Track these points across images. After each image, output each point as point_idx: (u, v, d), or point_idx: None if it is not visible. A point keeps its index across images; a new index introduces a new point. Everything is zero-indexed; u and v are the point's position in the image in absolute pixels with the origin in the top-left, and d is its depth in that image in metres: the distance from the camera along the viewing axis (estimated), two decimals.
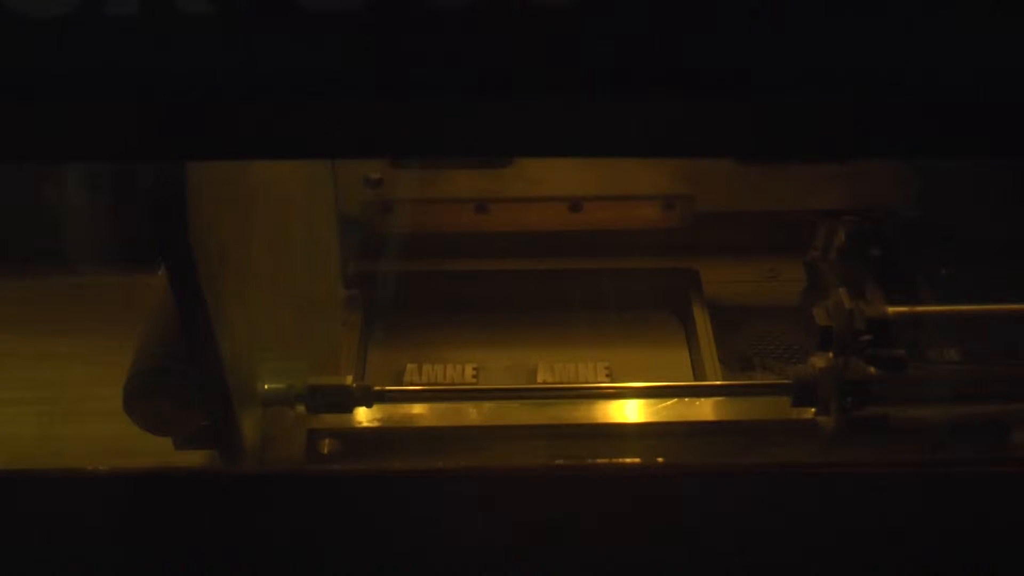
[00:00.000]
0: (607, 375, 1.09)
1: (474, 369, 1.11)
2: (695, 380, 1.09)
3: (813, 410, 0.95)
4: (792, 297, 1.15)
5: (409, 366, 1.11)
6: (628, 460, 0.93)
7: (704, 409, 1.00)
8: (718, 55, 0.58)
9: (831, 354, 0.93)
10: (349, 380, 0.94)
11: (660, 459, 0.95)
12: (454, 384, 1.09)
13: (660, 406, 1.00)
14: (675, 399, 1.00)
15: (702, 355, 1.09)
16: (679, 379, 1.09)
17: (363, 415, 0.98)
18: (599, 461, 0.92)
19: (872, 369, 0.92)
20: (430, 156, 1.07)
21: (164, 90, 0.59)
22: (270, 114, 0.60)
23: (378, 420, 0.99)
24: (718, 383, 1.03)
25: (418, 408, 1.00)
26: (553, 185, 1.16)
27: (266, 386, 0.90)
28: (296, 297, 0.99)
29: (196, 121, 0.60)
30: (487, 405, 1.01)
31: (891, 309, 0.94)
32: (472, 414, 1.00)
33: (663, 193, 1.17)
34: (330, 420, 0.96)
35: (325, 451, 0.97)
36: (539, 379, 1.09)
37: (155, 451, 0.85)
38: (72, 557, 0.87)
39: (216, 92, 0.59)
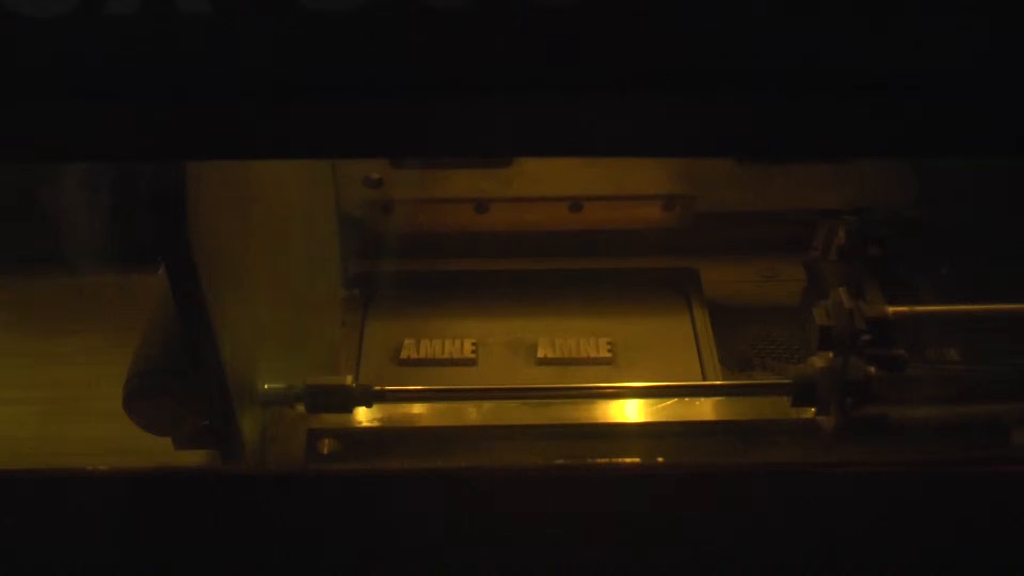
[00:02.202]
0: (608, 350, 1.09)
1: (473, 344, 1.10)
2: (699, 353, 1.09)
3: (813, 410, 0.95)
4: (792, 297, 1.15)
5: (407, 341, 1.10)
6: (628, 460, 0.93)
7: (704, 409, 1.00)
8: (718, 55, 0.58)
9: (831, 354, 0.93)
10: (349, 380, 0.94)
11: (660, 459, 0.95)
12: (452, 358, 1.09)
13: (660, 406, 1.00)
14: (675, 399, 1.00)
15: (702, 353, 1.09)
16: (683, 352, 1.09)
17: (363, 415, 0.98)
18: (599, 461, 0.92)
19: (872, 369, 0.92)
20: (430, 156, 1.07)
21: (164, 90, 0.59)
22: (270, 114, 0.60)
23: (378, 420, 0.99)
24: (718, 383, 1.03)
25: (418, 408, 1.00)
26: (553, 185, 1.16)
27: (266, 386, 0.90)
28: (296, 297, 0.99)
29: (196, 121, 0.61)
30: (487, 405, 1.01)
31: (891, 309, 0.94)
32: (472, 414, 1.00)
33: (663, 193, 1.17)
34: (330, 420, 0.96)
35: (325, 451, 0.97)
36: (539, 354, 1.09)
37: (155, 451, 0.85)
38: (72, 557, 0.87)
39: (216, 92, 0.59)
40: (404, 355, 1.09)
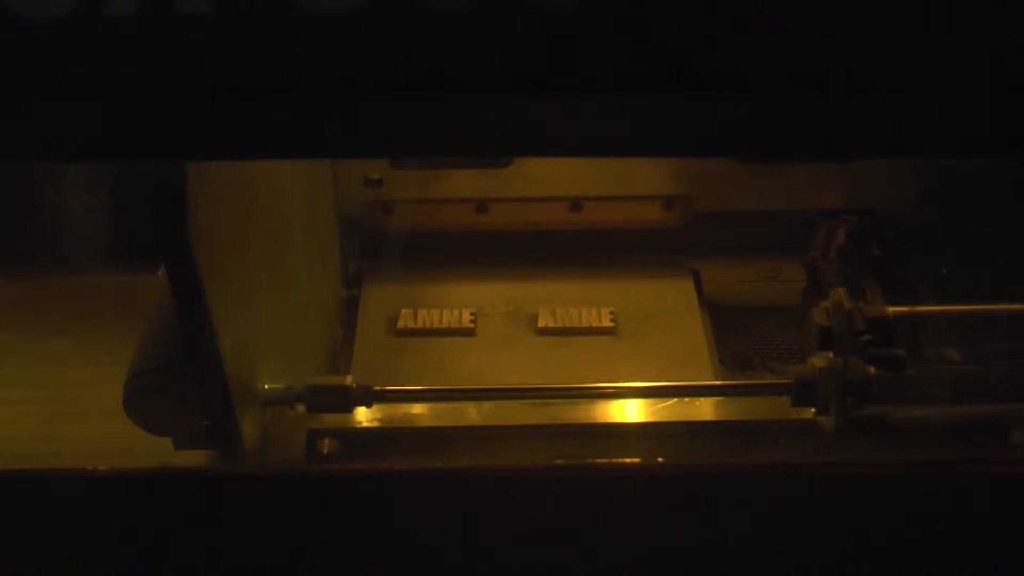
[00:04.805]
0: (611, 320, 1.09)
1: (472, 314, 1.10)
2: (703, 324, 1.09)
3: (813, 410, 0.95)
4: (792, 297, 1.15)
5: (404, 311, 1.10)
6: (628, 460, 0.93)
7: (704, 409, 1.00)
8: (718, 55, 0.58)
9: (831, 354, 0.93)
10: (349, 380, 0.94)
11: (660, 459, 0.95)
12: (451, 328, 1.08)
13: (660, 406, 1.00)
14: (675, 399, 1.00)
15: (705, 325, 1.09)
16: (686, 322, 1.09)
17: (363, 415, 0.98)
18: (599, 461, 0.92)
19: (872, 369, 0.92)
20: (430, 156, 1.07)
21: (164, 90, 0.59)
22: (270, 114, 0.60)
23: (378, 420, 0.99)
24: (718, 383, 1.03)
25: (418, 408, 1.00)
26: (553, 185, 1.16)
27: (266, 386, 0.90)
28: (296, 297, 0.99)
29: (196, 121, 0.60)
30: (487, 405, 1.00)
31: (891, 309, 0.94)
32: (472, 414, 1.00)
33: (663, 193, 1.16)
34: (330, 420, 0.96)
35: (325, 451, 0.97)
36: (540, 324, 1.08)
37: (155, 451, 0.85)
38: (72, 557, 0.87)
39: (216, 92, 0.59)
40: (401, 325, 1.08)
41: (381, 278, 1.14)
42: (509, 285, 1.14)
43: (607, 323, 1.08)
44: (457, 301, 1.11)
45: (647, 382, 0.98)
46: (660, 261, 1.17)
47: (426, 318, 1.09)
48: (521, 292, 1.13)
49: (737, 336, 1.12)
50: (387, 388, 0.95)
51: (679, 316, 1.10)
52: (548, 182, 1.15)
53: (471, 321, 1.09)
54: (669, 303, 1.12)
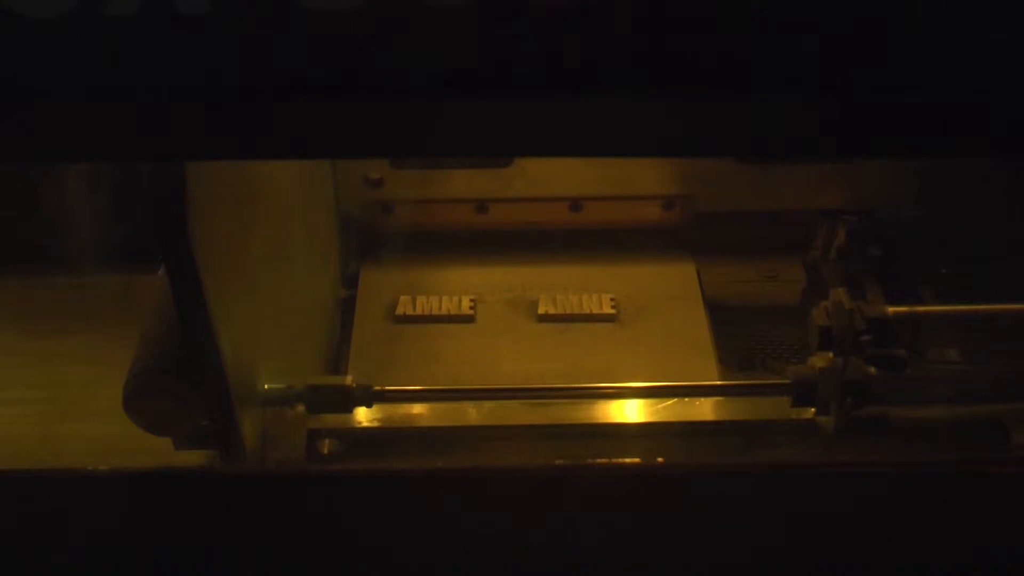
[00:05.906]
0: (612, 306, 1.09)
1: (471, 301, 1.09)
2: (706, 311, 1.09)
3: (813, 410, 0.95)
4: (792, 297, 1.15)
5: (402, 298, 1.09)
6: (628, 460, 0.93)
7: (704, 409, 1.00)
8: (718, 55, 0.58)
9: (831, 354, 0.93)
10: (349, 380, 0.94)
11: (660, 459, 0.95)
12: (450, 314, 1.07)
13: (660, 406, 1.00)
14: (675, 399, 1.00)
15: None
16: (688, 309, 1.08)
17: (363, 415, 0.98)
18: (599, 461, 0.92)
19: (872, 369, 0.92)
20: (430, 156, 1.07)
21: (164, 90, 0.59)
22: (270, 114, 0.60)
23: (378, 420, 0.99)
24: (718, 383, 1.03)
25: (418, 408, 1.00)
26: (553, 185, 1.16)
27: (266, 386, 0.90)
28: (296, 297, 0.99)
29: (196, 121, 0.61)
30: (487, 405, 1.00)
31: (891, 309, 0.94)
32: (472, 414, 1.00)
33: (663, 193, 1.16)
34: (330, 420, 0.96)
35: (325, 451, 0.97)
36: (540, 310, 1.08)
37: (155, 451, 0.85)
38: (72, 557, 0.87)
39: (216, 92, 0.59)
40: (400, 311, 1.08)
41: (380, 265, 1.14)
42: (509, 271, 1.13)
43: (608, 310, 1.08)
44: (456, 287, 1.11)
45: (648, 378, 0.98)
46: (661, 248, 1.16)
47: (425, 304, 1.08)
48: (521, 278, 1.12)
49: (737, 336, 1.12)
50: (387, 388, 0.95)
51: (680, 303, 1.10)
52: (548, 182, 1.15)
53: (470, 307, 1.08)
54: (670, 290, 1.11)
